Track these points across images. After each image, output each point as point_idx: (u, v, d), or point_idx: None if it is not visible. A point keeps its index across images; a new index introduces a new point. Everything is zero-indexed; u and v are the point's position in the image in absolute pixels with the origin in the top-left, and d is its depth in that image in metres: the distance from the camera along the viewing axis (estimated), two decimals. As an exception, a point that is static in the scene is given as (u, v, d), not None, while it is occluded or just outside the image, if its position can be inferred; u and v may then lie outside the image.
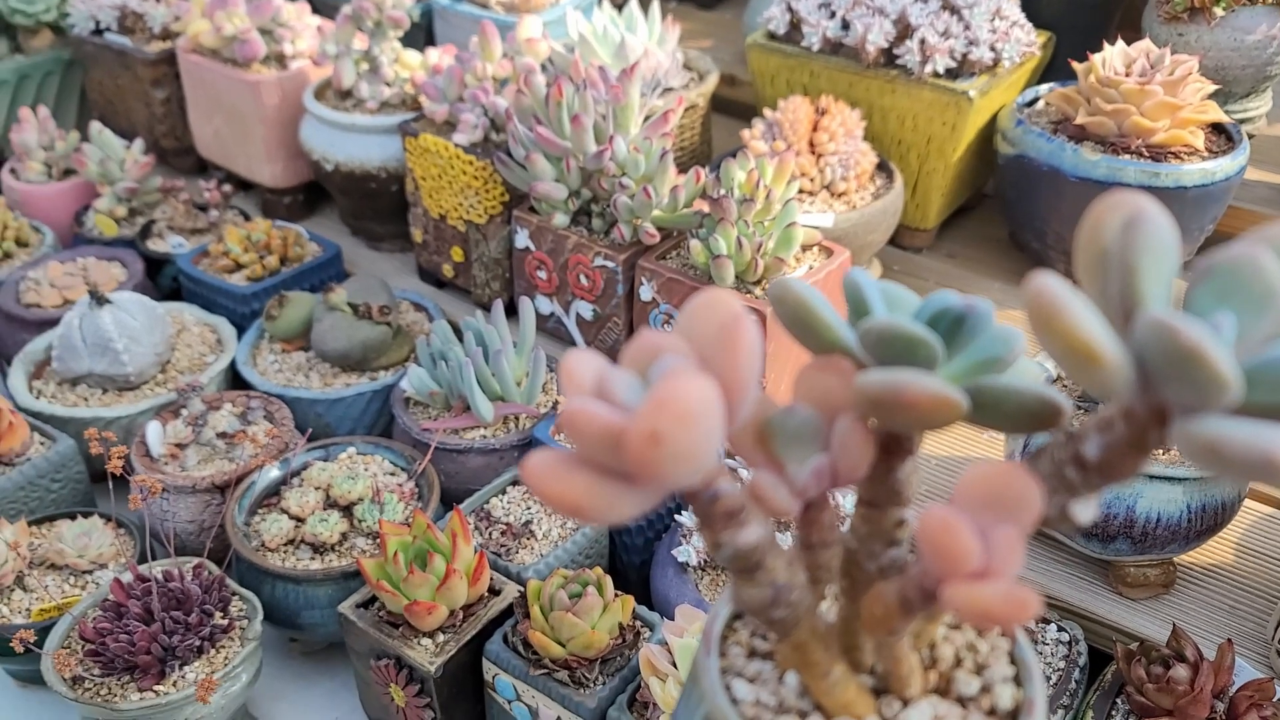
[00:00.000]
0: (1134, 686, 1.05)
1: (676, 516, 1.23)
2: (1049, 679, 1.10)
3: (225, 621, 1.17)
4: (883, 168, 1.63)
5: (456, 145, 1.55)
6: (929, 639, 0.44)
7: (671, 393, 0.31)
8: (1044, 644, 1.14)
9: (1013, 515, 0.34)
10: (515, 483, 1.33)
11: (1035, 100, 1.67)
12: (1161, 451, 1.13)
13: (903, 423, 0.37)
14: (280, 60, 1.86)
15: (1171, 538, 1.13)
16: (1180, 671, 1.02)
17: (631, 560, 1.31)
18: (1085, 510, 0.37)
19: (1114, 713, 1.06)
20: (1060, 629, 1.16)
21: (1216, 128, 1.55)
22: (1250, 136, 1.71)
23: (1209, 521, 1.13)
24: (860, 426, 0.38)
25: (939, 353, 0.39)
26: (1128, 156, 1.47)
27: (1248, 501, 1.29)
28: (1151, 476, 1.10)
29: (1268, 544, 1.26)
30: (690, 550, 1.21)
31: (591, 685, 1.07)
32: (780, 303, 0.41)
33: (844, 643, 0.44)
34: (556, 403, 1.44)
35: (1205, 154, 1.49)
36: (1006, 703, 0.42)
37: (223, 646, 1.15)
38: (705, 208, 1.41)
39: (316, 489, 1.29)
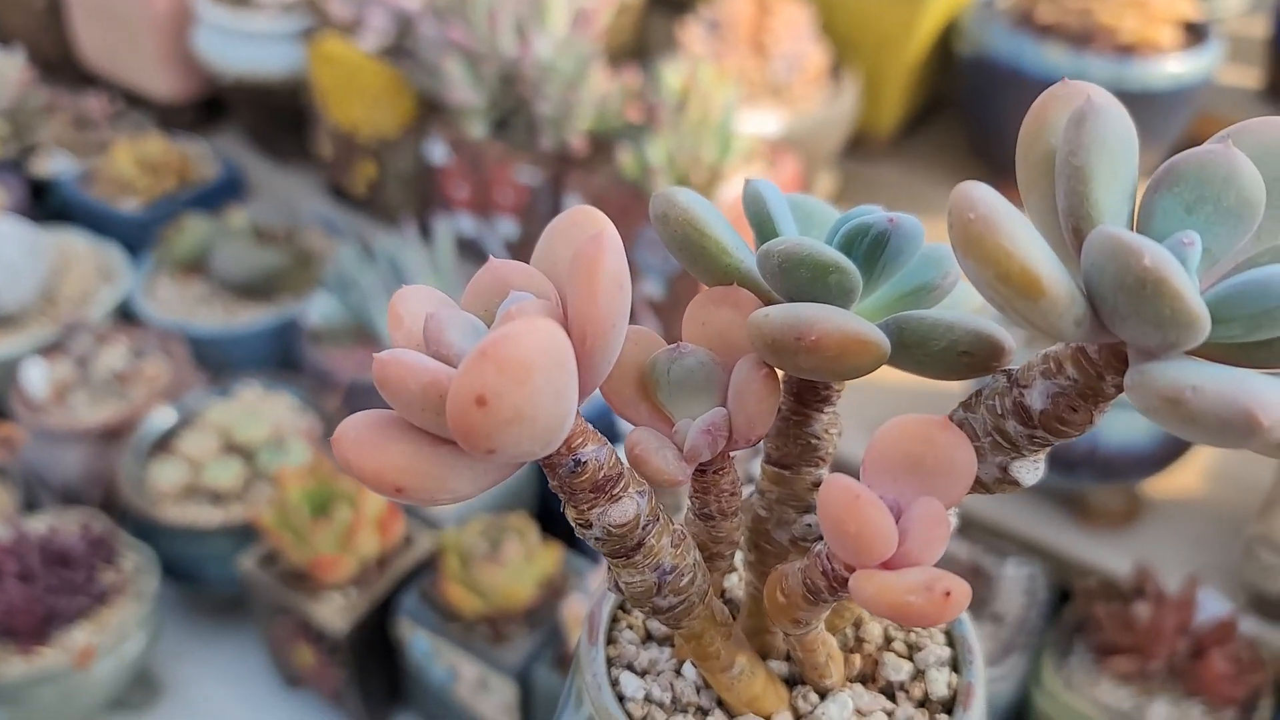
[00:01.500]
0: (1094, 623, 1.02)
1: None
2: (1004, 617, 1.07)
3: (117, 579, 1.11)
4: (834, 71, 1.56)
5: (363, 51, 1.45)
6: (853, 616, 0.39)
7: (500, 342, 0.25)
8: (1002, 579, 1.10)
9: (938, 485, 0.29)
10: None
11: (996, -5, 1.60)
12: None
13: (810, 370, 0.32)
14: (170, -42, 1.75)
15: (1136, 465, 1.09)
16: (1141, 609, 0.99)
17: (550, 508, 1.26)
18: (1029, 471, 0.32)
19: (1073, 651, 1.04)
20: (1019, 564, 1.12)
21: (1188, 26, 1.49)
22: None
23: (1175, 448, 1.10)
24: (763, 372, 0.33)
25: (856, 281, 0.33)
26: (1093, 55, 1.41)
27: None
28: (1116, 402, 1.06)
29: (1235, 470, 1.23)
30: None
31: (515, 641, 1.02)
32: (663, 221, 0.34)
33: (753, 625, 0.38)
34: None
35: (1175, 53, 1.43)
36: (941, 690, 0.37)
37: (116, 606, 1.09)
38: (637, 115, 1.34)
39: (215, 432, 1.22)
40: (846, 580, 0.29)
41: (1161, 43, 1.41)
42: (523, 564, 1.03)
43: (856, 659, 0.39)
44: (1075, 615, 1.05)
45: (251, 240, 1.45)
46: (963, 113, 1.63)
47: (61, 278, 1.50)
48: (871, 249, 0.34)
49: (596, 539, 0.32)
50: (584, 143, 1.32)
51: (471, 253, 1.47)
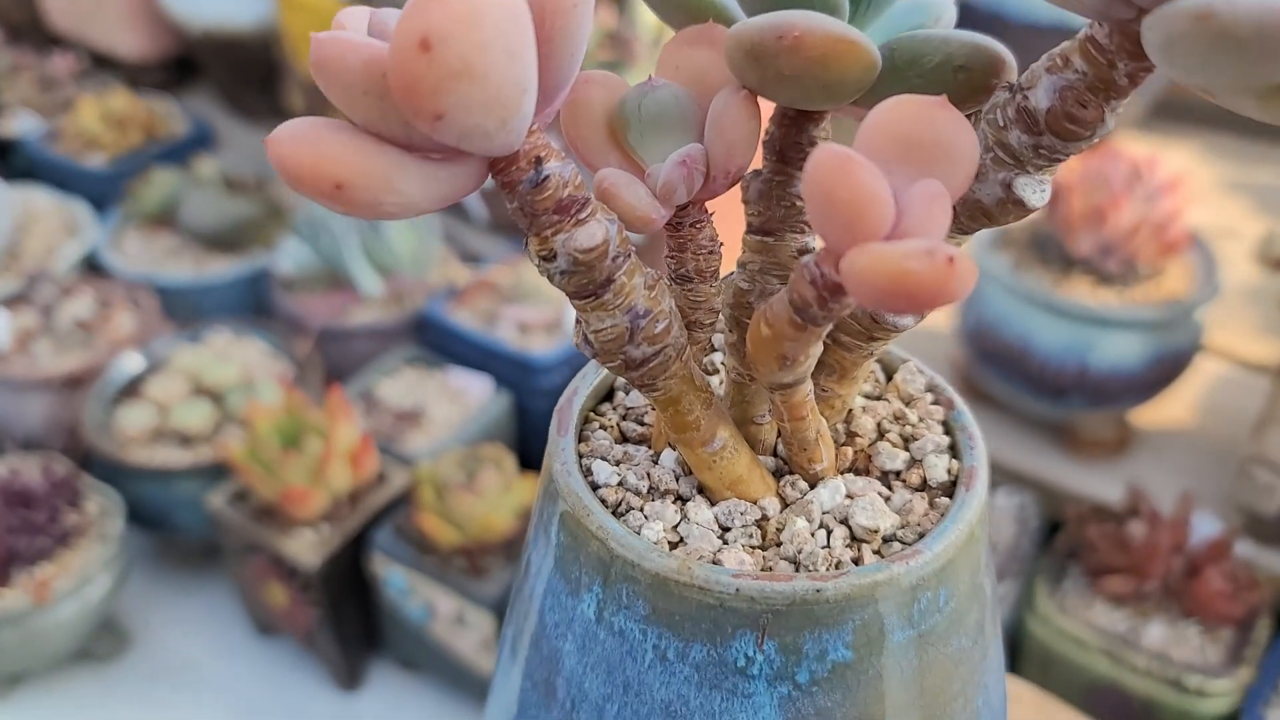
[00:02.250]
0: (1087, 546, 0.99)
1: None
2: (995, 545, 1.05)
3: (80, 520, 1.07)
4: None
5: (334, -5, 1.42)
6: (844, 408, 0.36)
7: (449, -19, 0.22)
8: (993, 509, 1.08)
9: (938, 171, 0.26)
10: (409, 363, 1.24)
11: (975, -61, 1.58)
12: (1119, 289, 1.06)
13: (793, 79, 0.29)
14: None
15: (1127, 390, 1.07)
16: (1135, 528, 0.97)
17: (540, 444, 1.22)
18: (1034, 190, 0.29)
19: (1066, 576, 1.01)
20: (1009, 493, 1.10)
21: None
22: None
23: (1166, 371, 1.08)
24: (742, 94, 0.30)
25: (841, 2, 0.30)
26: None
27: (1205, 357, 1.24)
28: (1106, 322, 1.04)
29: (1226, 401, 1.21)
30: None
31: (493, 573, 0.99)
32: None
33: (736, 415, 0.35)
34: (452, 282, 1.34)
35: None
36: (940, 475, 0.35)
37: (79, 548, 1.05)
38: (612, 54, 1.31)
39: (184, 376, 1.19)
40: (838, 284, 0.26)
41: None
42: (500, 493, 0.99)
43: (849, 452, 0.36)
44: (1068, 540, 1.03)
45: (221, 190, 1.42)
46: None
47: (25, 234, 1.46)
48: (860, -28, 0.31)
49: (562, 273, 0.29)
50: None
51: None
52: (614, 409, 0.38)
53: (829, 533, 0.33)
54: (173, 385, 1.17)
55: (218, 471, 1.10)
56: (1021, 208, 0.29)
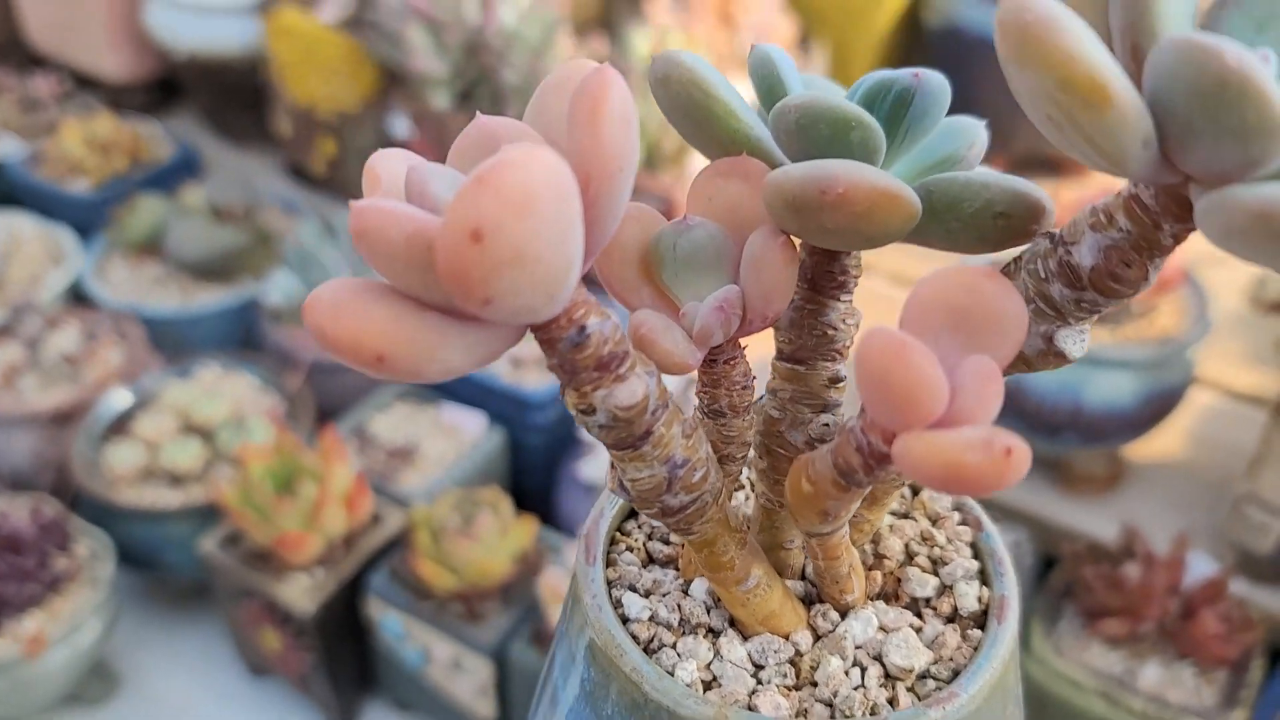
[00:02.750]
0: (1083, 586, 0.99)
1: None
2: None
3: (70, 565, 1.06)
4: (802, 42, 1.53)
5: (322, 22, 1.41)
6: (872, 530, 0.36)
7: (500, 169, 0.22)
8: (986, 549, 1.08)
9: (986, 342, 0.26)
10: (401, 398, 1.23)
11: (964, -36, 1.58)
12: (1111, 329, 1.07)
13: (834, 232, 0.28)
14: (119, -65, 1.69)
15: (1121, 427, 1.07)
16: (1131, 569, 0.97)
17: (534, 481, 1.22)
18: (1075, 341, 0.29)
19: (1062, 616, 1.01)
20: (1003, 531, 1.10)
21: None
22: None
23: (1159, 408, 1.08)
24: (780, 240, 0.30)
25: (880, 140, 0.30)
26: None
27: (1197, 389, 1.24)
28: (1099, 362, 1.04)
29: (1218, 432, 1.22)
30: (596, 465, 1.12)
31: (490, 618, 0.99)
32: (664, 84, 0.31)
33: (766, 540, 0.35)
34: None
35: None
36: (972, 604, 0.34)
37: (69, 593, 1.04)
38: (605, 84, 1.31)
39: (173, 412, 1.18)
40: (885, 455, 0.26)
41: None
42: (497, 538, 0.99)
43: (877, 576, 0.35)
44: (1062, 579, 1.03)
45: (208, 219, 1.41)
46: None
47: (7, 261, 1.45)
48: (895, 108, 0.31)
49: (600, 426, 0.28)
50: (551, 112, 1.29)
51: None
52: (639, 527, 0.38)
53: (863, 671, 0.32)
54: (162, 422, 1.16)
55: (209, 512, 1.09)
56: (1062, 359, 0.29)
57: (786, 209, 0.28)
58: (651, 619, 0.33)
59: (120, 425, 1.19)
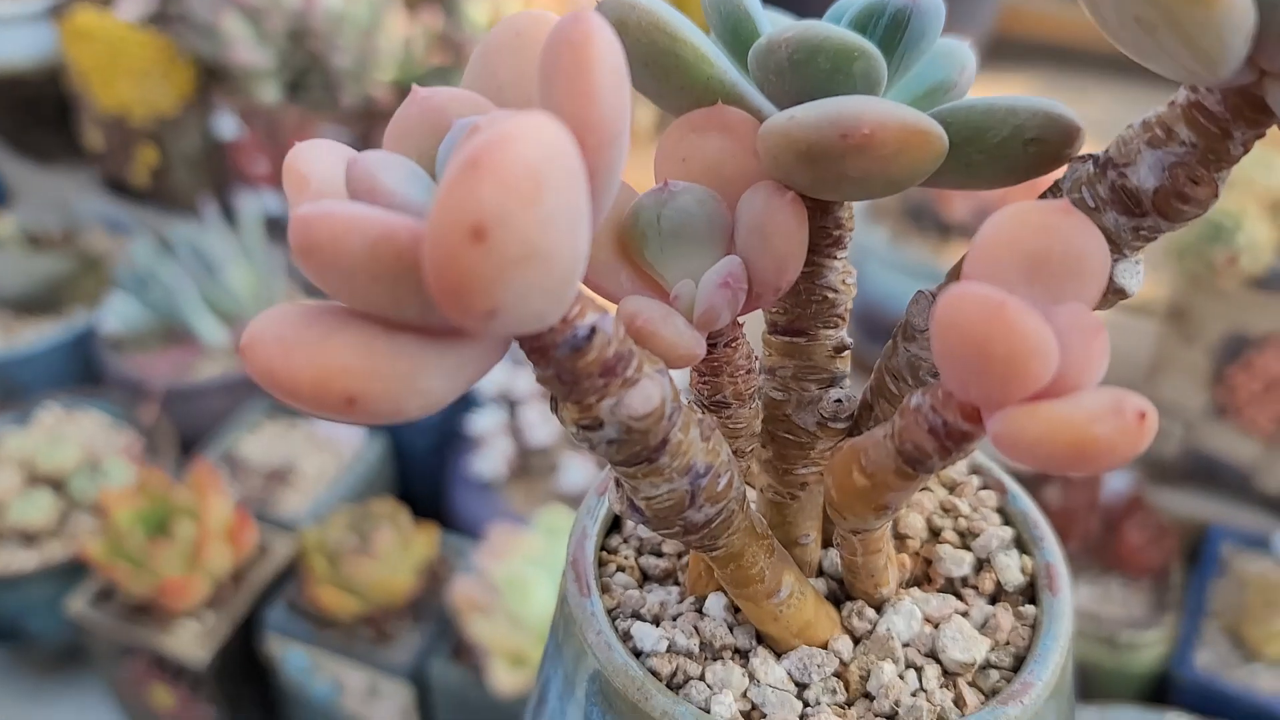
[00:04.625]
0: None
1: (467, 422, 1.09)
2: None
3: (-80, 650, 0.96)
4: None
5: (124, 21, 1.30)
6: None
7: (498, 147, 0.17)
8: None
9: (1067, 289, 0.22)
10: (269, 416, 1.15)
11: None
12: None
13: (855, 180, 0.24)
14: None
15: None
16: (1050, 493, 0.97)
17: (424, 486, 1.16)
18: (1133, 275, 0.26)
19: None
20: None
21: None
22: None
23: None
24: (789, 197, 0.25)
25: (882, 69, 0.26)
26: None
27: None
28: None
29: (1114, 345, 1.23)
30: (488, 460, 1.07)
31: (402, 638, 0.93)
32: (621, 29, 0.26)
33: (776, 538, 0.31)
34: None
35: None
36: (1016, 576, 0.31)
37: (-77, 682, 0.94)
38: (444, 58, 1.24)
39: (15, 464, 1.07)
40: (967, 434, 0.22)
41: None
42: (398, 552, 0.93)
43: (906, 560, 0.32)
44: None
45: (23, 248, 1.29)
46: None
47: None
48: (890, 32, 0.27)
49: (610, 442, 0.24)
50: (390, 94, 1.22)
51: (280, 233, 1.34)
52: (625, 542, 0.33)
53: (919, 672, 0.29)
54: (4, 477, 1.06)
55: (73, 570, 1.00)
56: (1121, 294, 0.26)
57: (799, 160, 0.24)
58: (670, 649, 0.29)
59: (-44, 486, 1.08)
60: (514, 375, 1.10)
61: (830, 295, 0.29)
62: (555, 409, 0.24)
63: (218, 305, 1.19)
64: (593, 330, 0.22)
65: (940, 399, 0.22)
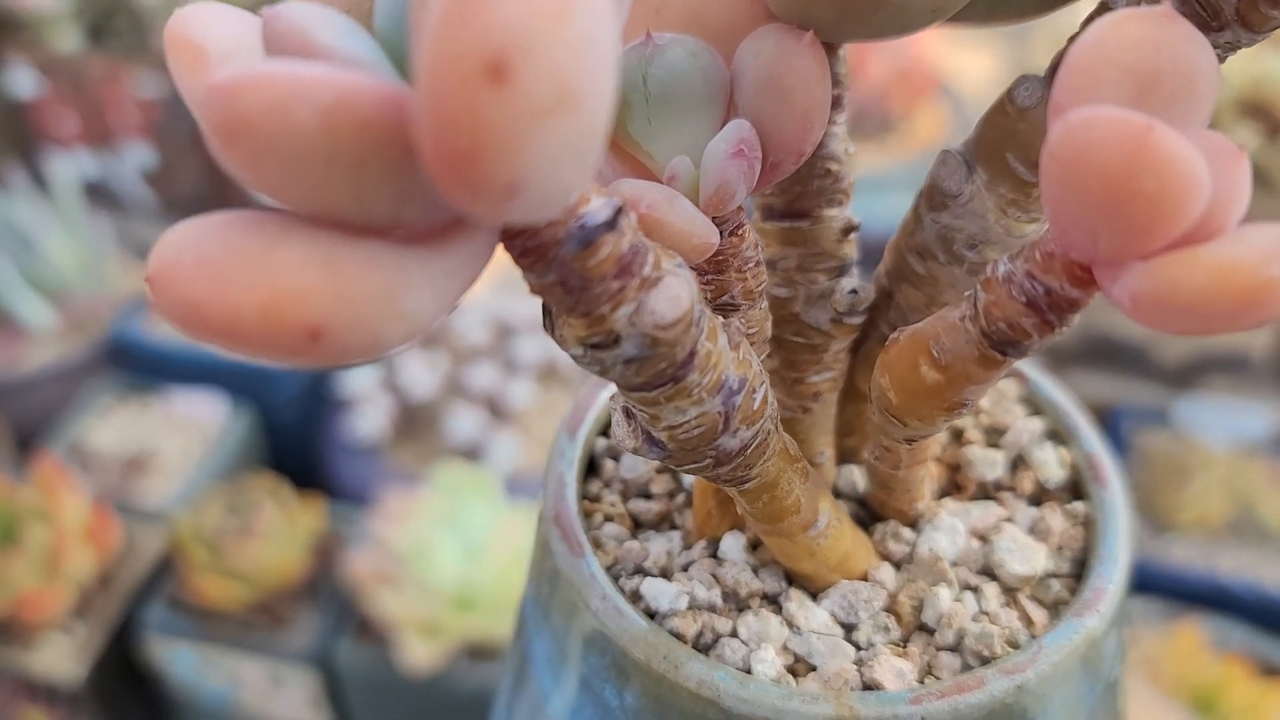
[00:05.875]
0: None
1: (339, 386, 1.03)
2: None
3: None
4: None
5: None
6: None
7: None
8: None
9: (1183, 110, 0.18)
10: (119, 398, 1.06)
11: None
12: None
13: (896, 12, 0.20)
14: None
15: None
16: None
17: (298, 457, 1.09)
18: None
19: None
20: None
21: None
22: None
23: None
24: (809, 39, 0.21)
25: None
26: None
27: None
28: (877, 186, 1.02)
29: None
30: (369, 418, 1.01)
31: (301, 621, 0.87)
32: None
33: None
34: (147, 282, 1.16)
35: None
36: (1057, 472, 0.28)
37: None
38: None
39: None
40: (1076, 301, 0.18)
41: None
42: (283, 530, 0.87)
43: (933, 468, 0.28)
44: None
45: None
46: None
47: None
48: None
49: (627, 361, 0.19)
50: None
51: (101, 197, 1.24)
52: (606, 486, 0.29)
53: (976, 594, 0.25)
54: None
55: (-89, 593, 0.90)
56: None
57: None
58: (691, 606, 0.25)
59: None
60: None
61: (833, 167, 0.25)
62: (550, 327, 0.20)
63: (39, 282, 1.09)
64: (616, 214, 0.17)
65: (1041, 261, 0.18)
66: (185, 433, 1.03)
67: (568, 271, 0.18)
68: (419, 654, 0.79)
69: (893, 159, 1.03)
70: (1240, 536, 0.97)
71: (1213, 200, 0.17)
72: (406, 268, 0.16)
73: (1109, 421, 1.05)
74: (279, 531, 0.86)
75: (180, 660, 0.87)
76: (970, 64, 1.47)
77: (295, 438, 1.08)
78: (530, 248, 0.18)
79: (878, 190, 1.01)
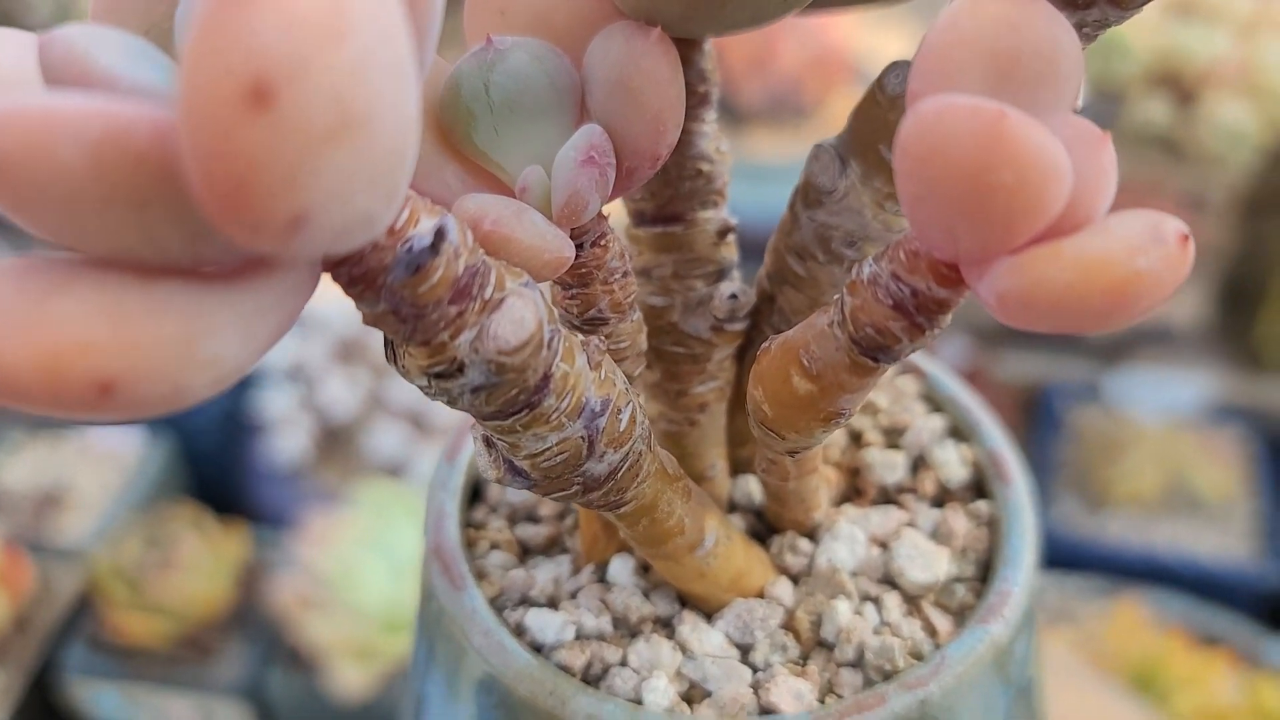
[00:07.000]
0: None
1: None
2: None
3: None
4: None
5: None
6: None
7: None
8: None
9: (1044, 95, 0.17)
10: (30, 433, 1.03)
11: None
12: None
13: (750, 3, 0.19)
14: None
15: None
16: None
17: (218, 485, 1.06)
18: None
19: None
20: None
21: None
22: None
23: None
24: (658, 36, 0.20)
25: None
26: None
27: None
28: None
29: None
30: (290, 440, 0.99)
31: (229, 653, 0.85)
32: None
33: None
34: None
35: None
36: (959, 472, 0.27)
37: None
38: None
39: None
40: (944, 301, 0.17)
41: None
42: (206, 560, 0.85)
43: (831, 473, 0.28)
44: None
45: None
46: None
47: None
48: None
49: (476, 390, 0.18)
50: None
51: None
52: (493, 512, 0.28)
53: (877, 605, 0.25)
54: None
55: None
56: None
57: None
58: (579, 636, 0.24)
59: None
60: (304, 342, 1.01)
61: (705, 168, 0.24)
62: (394, 358, 0.19)
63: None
64: (438, 236, 0.16)
65: (905, 262, 0.17)
66: (101, 466, 1.00)
67: (398, 300, 0.17)
68: (351, 679, 0.78)
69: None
70: (1175, 509, 0.98)
71: (1077, 189, 0.16)
72: (208, 310, 0.14)
73: (1041, 400, 1.06)
74: (201, 562, 0.84)
75: (104, 702, 0.84)
76: (884, 47, 1.47)
77: (215, 464, 1.05)
78: (357, 276, 0.16)
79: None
